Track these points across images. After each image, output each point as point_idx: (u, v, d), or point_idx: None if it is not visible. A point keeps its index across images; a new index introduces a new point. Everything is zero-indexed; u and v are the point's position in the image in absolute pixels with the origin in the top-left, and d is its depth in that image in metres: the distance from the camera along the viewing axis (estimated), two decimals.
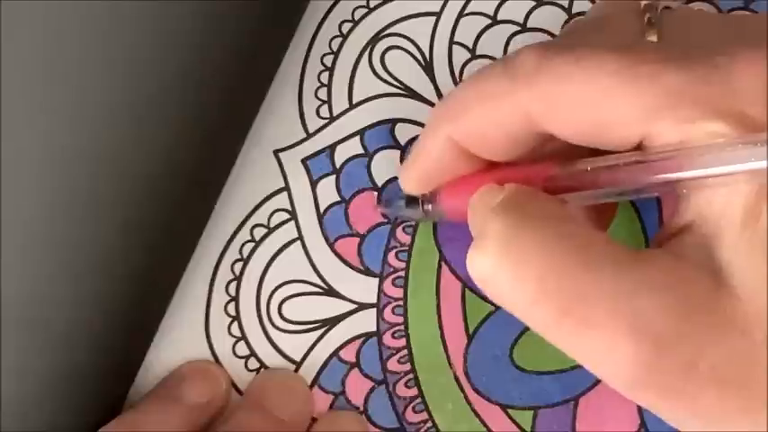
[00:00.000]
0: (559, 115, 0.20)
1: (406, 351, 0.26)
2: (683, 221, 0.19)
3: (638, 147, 0.19)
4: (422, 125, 0.27)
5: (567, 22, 0.27)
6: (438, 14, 0.28)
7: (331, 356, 0.26)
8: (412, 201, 0.25)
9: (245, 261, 0.27)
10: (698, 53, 0.19)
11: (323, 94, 0.28)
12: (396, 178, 0.27)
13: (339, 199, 0.27)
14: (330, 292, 0.27)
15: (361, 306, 0.26)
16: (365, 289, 0.27)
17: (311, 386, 0.26)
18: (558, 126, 0.20)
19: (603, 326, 0.18)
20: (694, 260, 0.18)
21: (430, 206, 0.24)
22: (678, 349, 0.17)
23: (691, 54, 0.19)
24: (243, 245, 0.27)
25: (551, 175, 0.21)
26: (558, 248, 0.18)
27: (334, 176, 0.27)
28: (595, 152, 0.20)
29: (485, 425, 0.26)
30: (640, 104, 0.19)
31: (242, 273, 0.27)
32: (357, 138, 0.27)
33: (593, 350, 0.18)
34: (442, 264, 0.26)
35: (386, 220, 0.27)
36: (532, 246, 0.19)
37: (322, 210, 0.27)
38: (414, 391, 0.26)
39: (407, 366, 0.26)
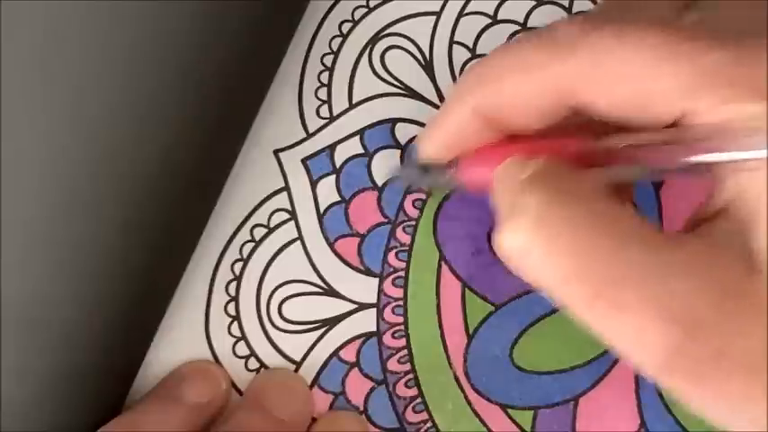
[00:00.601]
0: (598, 89, 0.20)
1: (406, 351, 0.26)
2: (718, 205, 0.19)
3: (672, 125, 0.19)
4: (422, 125, 0.27)
5: None
6: (438, 14, 0.28)
7: (331, 356, 0.26)
8: (429, 167, 0.25)
9: (245, 261, 0.27)
10: (737, 34, 0.19)
11: (323, 94, 0.28)
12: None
13: (339, 199, 0.27)
14: (330, 292, 0.27)
15: (361, 306, 0.26)
16: (365, 289, 0.27)
17: (311, 386, 0.26)
18: (596, 97, 0.20)
19: (634, 309, 0.18)
20: (727, 245, 0.18)
21: (447, 174, 0.24)
22: (707, 335, 0.17)
23: (731, 35, 0.19)
24: (243, 245, 0.27)
25: (585, 148, 0.21)
26: (590, 227, 0.18)
27: (334, 176, 0.27)
28: (618, 130, 0.20)
29: (485, 425, 0.26)
30: (680, 82, 0.18)
31: (242, 273, 0.27)
32: (357, 138, 0.27)
33: (624, 333, 0.18)
34: (442, 264, 0.26)
35: (386, 220, 0.27)
36: (566, 223, 0.18)
37: (322, 210, 0.27)
38: (414, 391, 0.26)
39: (407, 366, 0.26)
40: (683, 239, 0.19)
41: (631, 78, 0.19)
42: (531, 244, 0.19)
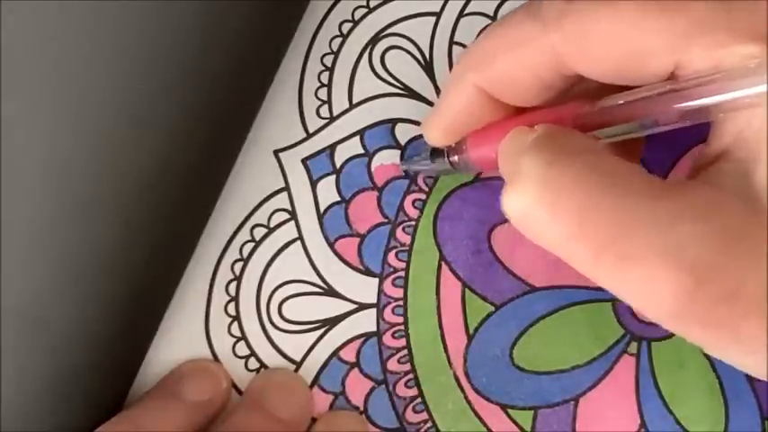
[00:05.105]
0: (590, 54, 0.20)
1: (406, 351, 0.26)
2: (721, 147, 0.19)
3: (670, 78, 0.19)
4: None
5: None
6: (438, 14, 0.28)
7: (331, 356, 0.26)
8: (437, 153, 0.25)
9: (245, 261, 0.27)
10: None
11: (323, 94, 0.28)
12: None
13: (339, 199, 0.27)
14: (330, 292, 0.27)
15: (361, 306, 0.26)
16: (365, 289, 0.27)
17: (311, 386, 0.26)
18: (588, 65, 0.20)
19: (642, 259, 0.17)
20: (730, 187, 0.18)
21: (456, 157, 0.24)
22: (719, 278, 0.17)
23: None
24: (243, 245, 0.27)
25: (583, 112, 0.21)
26: (594, 183, 0.18)
27: (334, 176, 0.27)
28: (620, 91, 0.20)
29: (485, 425, 0.26)
30: (670, 34, 0.19)
31: (242, 273, 0.27)
32: (357, 138, 0.27)
33: (634, 284, 0.18)
34: (442, 264, 0.26)
35: (386, 220, 0.27)
36: (569, 181, 0.18)
37: (322, 210, 0.27)
38: (414, 391, 0.26)
39: (407, 366, 0.26)
40: (686, 186, 0.19)
41: (621, 39, 0.19)
42: (535, 205, 0.18)
